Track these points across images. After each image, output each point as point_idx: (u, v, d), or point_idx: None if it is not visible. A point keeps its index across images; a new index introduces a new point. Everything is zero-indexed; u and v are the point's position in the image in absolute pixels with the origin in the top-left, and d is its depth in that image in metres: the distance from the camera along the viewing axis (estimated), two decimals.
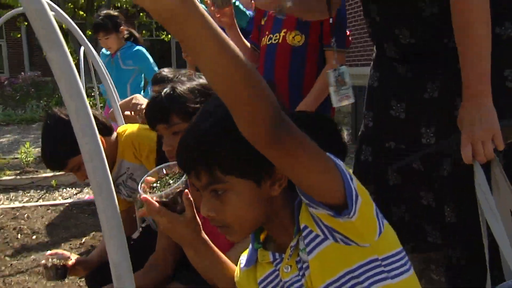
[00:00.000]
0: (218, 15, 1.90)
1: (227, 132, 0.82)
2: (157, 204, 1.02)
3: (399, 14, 1.37)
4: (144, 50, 3.73)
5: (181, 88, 1.40)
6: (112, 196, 0.65)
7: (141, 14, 12.63)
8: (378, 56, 1.52)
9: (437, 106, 1.33)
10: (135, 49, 3.67)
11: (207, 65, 0.64)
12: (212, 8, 1.87)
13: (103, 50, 3.79)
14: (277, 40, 1.88)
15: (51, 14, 0.59)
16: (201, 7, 0.61)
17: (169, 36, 13.34)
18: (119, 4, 12.31)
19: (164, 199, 1.03)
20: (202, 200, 0.89)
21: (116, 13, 3.68)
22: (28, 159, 5.08)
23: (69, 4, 11.96)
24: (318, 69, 1.86)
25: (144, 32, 13.36)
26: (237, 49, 0.65)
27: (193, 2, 0.60)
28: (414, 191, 1.40)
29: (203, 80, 1.43)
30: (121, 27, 3.64)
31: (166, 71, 2.95)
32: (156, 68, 3.73)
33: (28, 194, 4.46)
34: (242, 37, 2.08)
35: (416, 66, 1.38)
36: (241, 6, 2.49)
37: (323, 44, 1.85)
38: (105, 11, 3.69)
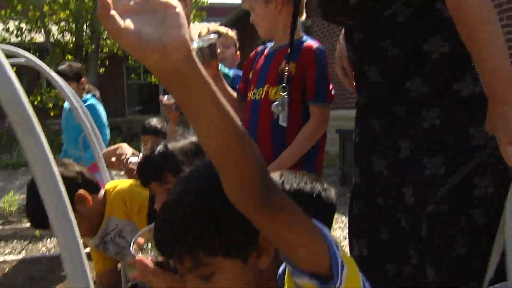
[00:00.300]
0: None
1: (209, 209, 0.81)
2: (151, 265, 0.99)
3: (368, 51, 1.39)
4: (97, 105, 3.79)
5: (174, 146, 1.43)
6: (82, 263, 0.61)
7: (129, 57, 12.76)
8: (357, 111, 1.53)
9: (410, 166, 1.32)
10: (87, 103, 3.73)
11: (203, 125, 0.65)
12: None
13: (66, 104, 3.86)
14: (260, 96, 1.89)
15: (25, 99, 0.57)
16: (202, 67, 0.62)
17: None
18: (107, 49, 12.45)
19: (159, 259, 1.00)
20: (187, 283, 0.86)
21: (79, 65, 3.88)
22: (12, 208, 4.96)
23: (57, 49, 12.07)
24: (302, 124, 1.85)
25: (132, 75, 13.49)
26: (233, 112, 0.66)
27: (195, 62, 0.61)
28: (404, 250, 1.38)
29: (196, 138, 1.45)
30: (82, 79, 3.77)
31: (154, 121, 2.95)
32: (106, 127, 3.78)
33: (11, 245, 4.33)
34: (228, 88, 2.09)
35: (388, 121, 1.38)
36: (222, 68, 2.52)
37: (306, 99, 1.86)
38: (69, 62, 3.88)
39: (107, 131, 3.81)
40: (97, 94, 3.95)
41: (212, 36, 1.82)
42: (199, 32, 2.59)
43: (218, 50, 1.85)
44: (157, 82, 13.87)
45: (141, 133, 3.04)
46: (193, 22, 11.69)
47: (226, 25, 12.82)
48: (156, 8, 0.59)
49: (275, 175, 1.13)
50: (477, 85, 1.26)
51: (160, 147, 1.45)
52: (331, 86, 1.87)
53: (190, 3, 2.07)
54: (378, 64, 1.37)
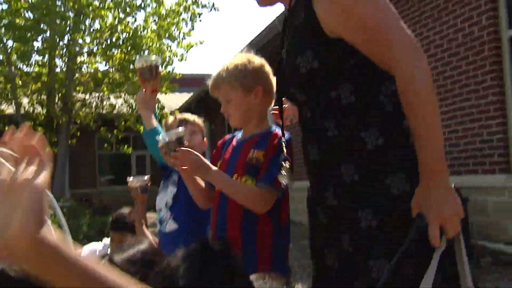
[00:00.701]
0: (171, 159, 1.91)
1: None
2: None
3: (312, 130, 1.42)
4: None
5: (120, 258, 1.37)
6: None
7: (101, 128, 12.70)
8: (307, 199, 1.53)
9: (355, 264, 1.31)
10: None
11: None
12: (164, 151, 1.88)
13: None
14: None
15: None
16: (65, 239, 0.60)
17: (130, 149, 13.36)
18: (80, 120, 12.41)
19: None
20: None
21: None
22: None
23: (30, 120, 11.93)
24: (270, 216, 1.80)
25: (105, 146, 13.37)
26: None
27: (48, 252, 0.59)
28: None
29: (144, 246, 1.40)
30: None
31: (125, 212, 2.85)
32: None
33: None
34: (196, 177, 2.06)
35: (328, 211, 1.39)
36: None
37: (256, 178, 1.80)
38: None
39: None
40: None
41: (180, 129, 1.85)
42: (165, 120, 2.61)
43: (186, 141, 1.85)
44: (130, 153, 13.77)
45: (110, 229, 2.99)
46: (165, 93, 11.83)
47: (198, 96, 12.93)
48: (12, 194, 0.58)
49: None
50: (407, 183, 1.28)
51: (104, 262, 1.37)
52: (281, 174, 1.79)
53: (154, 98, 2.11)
54: (318, 143, 1.40)
